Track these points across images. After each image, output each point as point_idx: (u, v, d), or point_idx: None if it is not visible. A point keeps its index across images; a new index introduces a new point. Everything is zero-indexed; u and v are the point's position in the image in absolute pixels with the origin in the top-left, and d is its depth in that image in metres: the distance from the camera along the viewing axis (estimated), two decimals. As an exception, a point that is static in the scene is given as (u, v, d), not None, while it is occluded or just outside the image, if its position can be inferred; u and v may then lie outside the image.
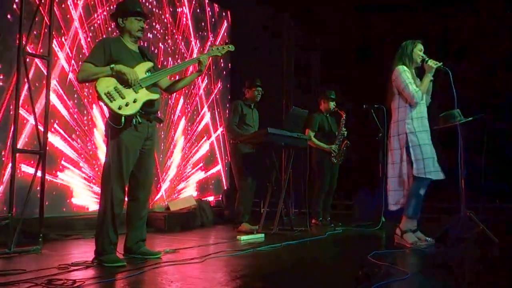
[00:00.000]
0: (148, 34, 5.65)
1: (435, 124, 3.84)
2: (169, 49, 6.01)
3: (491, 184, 4.42)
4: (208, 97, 6.71)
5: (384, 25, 6.55)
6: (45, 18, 3.98)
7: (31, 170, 3.93)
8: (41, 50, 4.16)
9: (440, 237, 3.58)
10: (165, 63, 5.86)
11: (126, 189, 2.93)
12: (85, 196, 4.72)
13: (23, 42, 3.39)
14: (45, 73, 3.66)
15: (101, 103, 2.76)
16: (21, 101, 3.51)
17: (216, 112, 6.87)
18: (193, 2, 6.52)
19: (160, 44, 5.86)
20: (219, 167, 6.84)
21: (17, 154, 3.38)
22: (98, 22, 4.98)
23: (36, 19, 3.66)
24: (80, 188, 4.68)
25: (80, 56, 4.71)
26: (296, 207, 6.78)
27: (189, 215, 5.20)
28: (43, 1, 3.71)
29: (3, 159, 4.00)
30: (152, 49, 5.71)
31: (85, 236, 4.00)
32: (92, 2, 4.92)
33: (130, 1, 3.02)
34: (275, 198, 4.69)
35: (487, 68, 5.92)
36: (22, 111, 3.99)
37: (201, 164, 6.46)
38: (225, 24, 7.22)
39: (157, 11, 5.87)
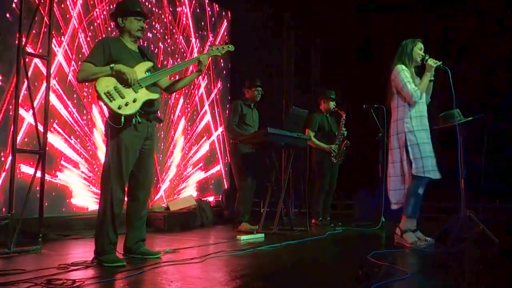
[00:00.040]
0: (148, 34, 5.65)
1: (435, 124, 3.83)
2: (169, 49, 6.01)
3: (491, 184, 4.41)
4: (208, 97, 6.71)
5: (384, 25, 6.54)
6: (45, 17, 3.98)
7: (30, 170, 3.93)
8: (40, 50, 4.16)
9: (440, 237, 3.58)
10: (165, 63, 5.86)
11: (126, 189, 2.93)
12: (84, 196, 4.72)
13: (23, 42, 3.39)
14: (45, 73, 3.66)
15: (101, 103, 2.75)
16: (20, 101, 3.51)
17: (216, 112, 6.86)
18: (193, 2, 6.52)
19: (160, 44, 5.86)
20: (219, 167, 6.83)
21: (17, 154, 3.38)
22: (98, 21, 4.98)
23: (36, 18, 3.66)
24: (79, 188, 4.68)
25: (80, 56, 4.71)
26: (296, 207, 6.79)
27: (189, 215, 5.20)
28: (42, 0, 3.71)
29: (3, 159, 4.00)
30: (152, 48, 5.71)
31: (84, 236, 4.01)
32: (92, 2, 4.92)
33: (130, 1, 3.02)
34: (275, 198, 4.68)
35: (487, 68, 5.92)
36: (21, 111, 3.99)
37: (201, 164, 6.46)
38: (225, 24, 7.21)
39: (157, 10, 5.87)
